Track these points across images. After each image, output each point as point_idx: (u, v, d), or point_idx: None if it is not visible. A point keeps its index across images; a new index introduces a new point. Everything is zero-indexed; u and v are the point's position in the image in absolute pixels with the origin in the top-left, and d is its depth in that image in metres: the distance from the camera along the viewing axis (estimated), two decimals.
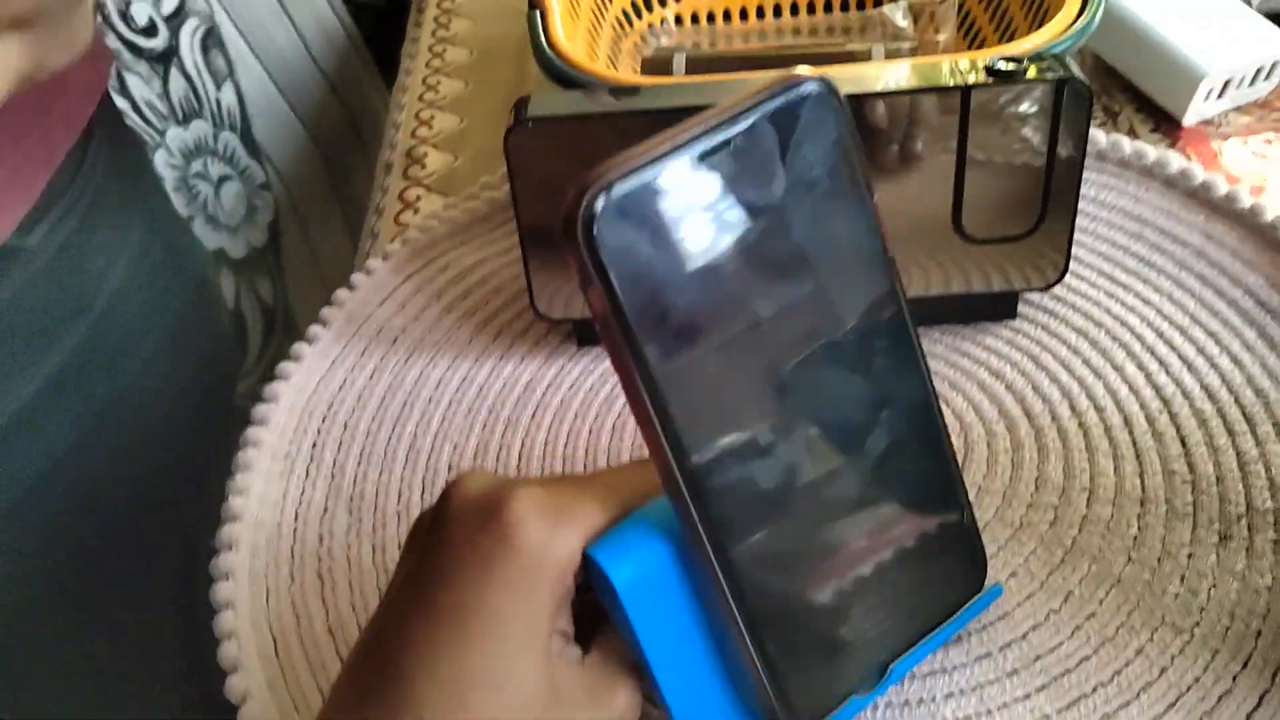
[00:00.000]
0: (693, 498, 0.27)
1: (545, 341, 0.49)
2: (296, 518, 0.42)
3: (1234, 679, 0.34)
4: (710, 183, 0.26)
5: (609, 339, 0.25)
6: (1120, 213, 0.49)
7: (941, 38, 0.49)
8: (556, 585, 0.27)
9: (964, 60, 0.40)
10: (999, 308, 0.46)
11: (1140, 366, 0.43)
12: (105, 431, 0.52)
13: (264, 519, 0.42)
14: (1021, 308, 0.46)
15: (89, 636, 0.54)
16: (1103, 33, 0.45)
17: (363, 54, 1.05)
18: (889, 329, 0.30)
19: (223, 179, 0.87)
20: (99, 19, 0.68)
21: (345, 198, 1.00)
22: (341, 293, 0.50)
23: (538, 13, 0.49)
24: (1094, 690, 0.34)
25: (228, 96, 0.88)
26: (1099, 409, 0.42)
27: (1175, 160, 0.50)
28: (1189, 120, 0.55)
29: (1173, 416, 0.41)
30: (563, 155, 0.41)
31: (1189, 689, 0.34)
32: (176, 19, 0.84)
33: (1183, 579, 0.37)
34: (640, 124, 0.40)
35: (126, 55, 0.80)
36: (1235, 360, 0.43)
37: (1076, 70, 0.39)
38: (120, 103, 0.78)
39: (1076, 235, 0.45)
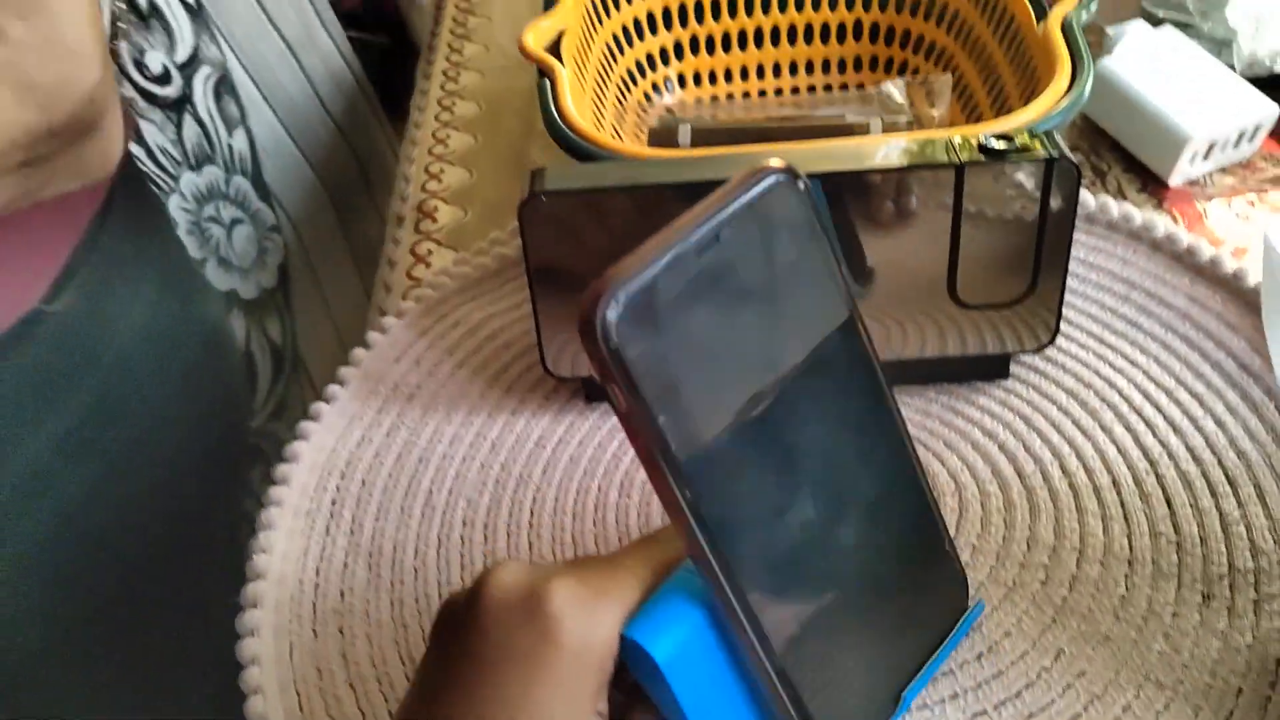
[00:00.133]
0: (721, 567, 0.29)
1: (554, 396, 0.50)
2: (318, 573, 0.44)
3: None
4: (707, 273, 0.28)
5: (634, 431, 0.27)
6: (1109, 274, 0.51)
7: (936, 113, 0.51)
8: (599, 673, 0.28)
9: (957, 137, 0.42)
10: (992, 368, 0.48)
11: (1128, 428, 0.45)
12: (116, 481, 0.54)
13: (287, 575, 0.44)
14: (1014, 367, 0.48)
15: (103, 684, 0.56)
16: (1092, 96, 0.47)
17: (369, 96, 1.07)
18: (868, 385, 0.32)
19: (235, 222, 0.89)
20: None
21: (353, 238, 1.02)
22: (358, 351, 0.52)
23: (548, 82, 0.51)
24: None
25: (239, 142, 0.90)
26: (1088, 470, 0.44)
27: (1161, 224, 0.52)
28: (1175, 181, 0.57)
29: (1159, 478, 0.43)
30: (575, 225, 0.43)
31: None
32: (190, 67, 0.86)
33: (1167, 637, 0.38)
34: (649, 197, 0.42)
35: (141, 103, 0.82)
36: (1219, 422, 0.44)
37: (1065, 148, 0.41)
38: (135, 150, 0.80)
39: (1067, 296, 0.47)
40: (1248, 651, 0.37)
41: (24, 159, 0.41)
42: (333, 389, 0.51)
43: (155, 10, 0.82)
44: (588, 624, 0.28)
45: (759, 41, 0.64)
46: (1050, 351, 0.48)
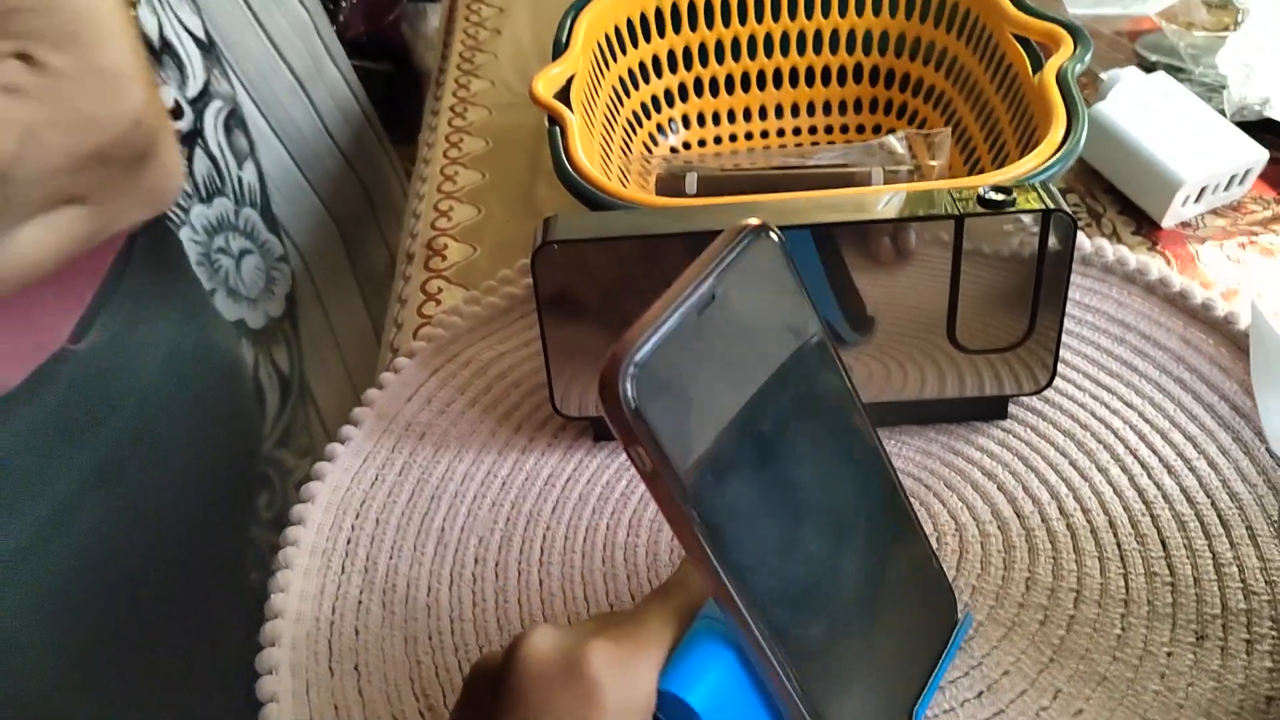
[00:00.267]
0: (746, 606, 0.30)
1: (563, 434, 0.52)
2: (334, 611, 0.45)
3: None
4: (710, 330, 0.30)
5: (659, 489, 0.29)
6: (1105, 317, 0.52)
7: (936, 164, 0.53)
8: None
9: (957, 189, 0.43)
10: (990, 410, 0.49)
11: (1124, 469, 0.46)
12: (133, 510, 0.55)
13: (304, 613, 0.45)
14: (1012, 408, 0.49)
15: (110, 704, 0.57)
16: (1088, 141, 0.48)
17: (375, 125, 1.09)
18: (845, 405, 0.34)
19: (243, 253, 0.91)
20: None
21: (359, 267, 1.04)
22: (372, 391, 0.53)
23: (558, 129, 0.52)
24: None
25: (249, 174, 0.91)
26: (1086, 511, 0.45)
27: (1155, 267, 0.53)
28: (1168, 223, 0.59)
29: (1154, 519, 0.44)
30: (585, 271, 0.45)
31: None
32: (201, 101, 0.88)
33: (1163, 677, 0.39)
34: (657, 245, 0.44)
35: None
36: (1212, 464, 0.46)
37: (1061, 200, 0.43)
38: None
39: (1064, 338, 0.48)
40: (1240, 691, 0.39)
41: (73, 187, 0.41)
42: (347, 429, 0.52)
43: (168, 46, 0.84)
44: (627, 683, 0.29)
45: (762, 84, 0.66)
46: (1047, 392, 0.49)
